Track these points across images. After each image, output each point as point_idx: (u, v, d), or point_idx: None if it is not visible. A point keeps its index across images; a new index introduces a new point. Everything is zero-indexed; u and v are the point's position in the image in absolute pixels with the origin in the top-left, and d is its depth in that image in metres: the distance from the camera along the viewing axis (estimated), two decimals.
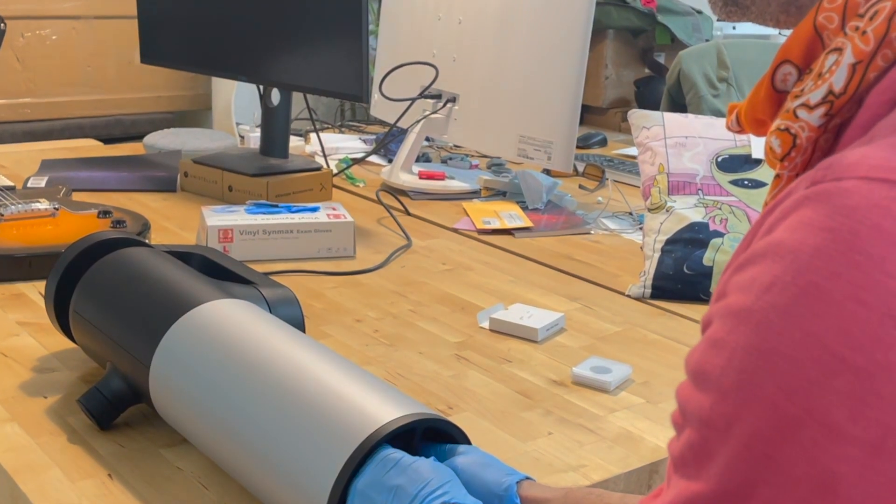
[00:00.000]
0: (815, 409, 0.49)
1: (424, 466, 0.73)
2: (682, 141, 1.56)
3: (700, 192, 1.49)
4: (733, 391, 0.52)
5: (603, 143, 2.49)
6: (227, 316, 0.93)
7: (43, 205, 1.56)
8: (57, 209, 1.55)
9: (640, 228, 1.66)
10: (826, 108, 0.58)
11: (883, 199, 0.49)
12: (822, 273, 0.49)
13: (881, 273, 0.48)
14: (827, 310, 0.49)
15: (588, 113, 2.87)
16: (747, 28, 3.09)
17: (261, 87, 1.88)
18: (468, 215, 1.79)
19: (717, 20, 3.00)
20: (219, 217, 1.51)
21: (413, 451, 0.78)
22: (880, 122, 0.55)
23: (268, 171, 1.82)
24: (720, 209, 1.45)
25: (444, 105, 1.97)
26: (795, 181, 0.55)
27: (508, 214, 1.77)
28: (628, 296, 1.42)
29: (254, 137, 2.27)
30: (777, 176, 0.63)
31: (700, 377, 0.54)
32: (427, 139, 2.17)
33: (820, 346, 0.49)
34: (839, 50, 0.58)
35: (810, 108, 0.59)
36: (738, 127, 0.69)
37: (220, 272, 1.11)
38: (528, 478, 0.79)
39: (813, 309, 0.49)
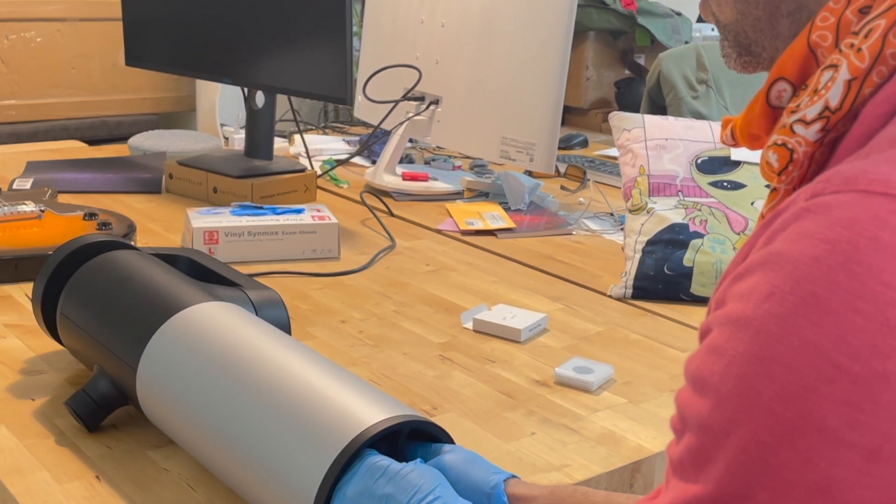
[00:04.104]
0: (813, 416, 0.50)
1: (413, 473, 0.74)
2: (662, 143, 1.58)
3: (680, 193, 1.50)
4: (731, 397, 0.53)
5: (584, 144, 2.51)
6: (214, 319, 0.93)
7: (29, 207, 1.56)
8: (43, 211, 1.55)
9: (622, 229, 1.67)
10: (822, 124, 0.59)
11: (881, 211, 0.50)
12: (820, 283, 0.50)
13: (879, 283, 0.49)
14: (825, 319, 0.50)
15: (569, 113, 2.89)
16: None
17: (245, 89, 1.89)
18: (451, 216, 1.80)
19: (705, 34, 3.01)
20: (204, 219, 1.52)
21: (399, 452, 0.80)
22: (877, 136, 0.56)
23: (252, 172, 1.82)
24: (700, 210, 1.47)
25: (428, 107, 1.98)
26: (794, 193, 0.56)
27: (491, 215, 1.78)
28: (610, 296, 1.43)
29: (238, 139, 2.28)
30: (773, 189, 0.65)
31: (699, 383, 0.55)
32: (410, 141, 2.17)
33: (817, 354, 0.50)
34: (834, 66, 0.59)
35: (807, 123, 0.60)
36: (733, 141, 0.70)
37: (206, 274, 1.12)
38: (513, 476, 0.80)
39: (811, 318, 0.50)
